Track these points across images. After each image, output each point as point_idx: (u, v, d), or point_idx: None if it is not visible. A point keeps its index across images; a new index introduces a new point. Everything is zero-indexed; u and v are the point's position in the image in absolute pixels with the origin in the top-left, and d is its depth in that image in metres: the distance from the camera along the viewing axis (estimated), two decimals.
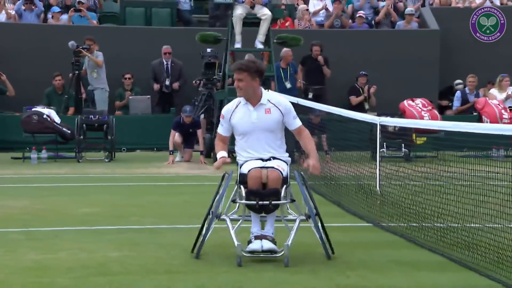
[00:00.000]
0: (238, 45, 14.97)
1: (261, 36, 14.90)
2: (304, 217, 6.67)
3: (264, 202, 6.39)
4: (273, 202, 6.42)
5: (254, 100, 6.64)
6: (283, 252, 6.36)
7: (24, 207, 9.50)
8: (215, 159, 6.77)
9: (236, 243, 6.34)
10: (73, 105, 16.39)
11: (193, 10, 20.00)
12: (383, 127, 9.31)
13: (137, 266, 6.45)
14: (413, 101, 15.36)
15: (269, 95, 6.72)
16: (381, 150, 9.22)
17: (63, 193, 10.98)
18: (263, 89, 6.72)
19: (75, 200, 10.14)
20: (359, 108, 16.62)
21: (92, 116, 15.03)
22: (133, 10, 19.46)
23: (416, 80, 18.03)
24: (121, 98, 17.24)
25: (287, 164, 6.69)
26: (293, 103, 12.42)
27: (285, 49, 16.52)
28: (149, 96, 17.07)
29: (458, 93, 17.75)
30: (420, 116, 14.75)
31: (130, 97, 17.07)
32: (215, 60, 16.16)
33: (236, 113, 6.67)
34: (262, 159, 6.60)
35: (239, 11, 14.81)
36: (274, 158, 6.62)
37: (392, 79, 17.93)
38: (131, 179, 12.39)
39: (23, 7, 18.16)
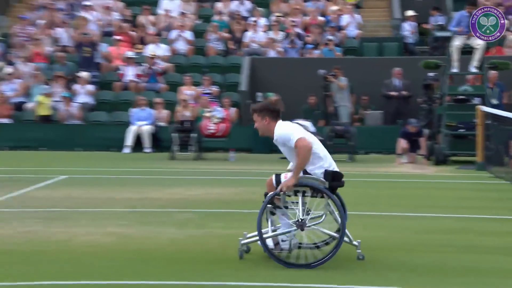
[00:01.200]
0: (455, 70, 14.40)
1: (475, 62, 14.20)
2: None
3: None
4: (264, 204, 5.49)
5: (271, 135, 5.60)
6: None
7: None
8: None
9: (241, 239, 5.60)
10: (324, 118, 16.60)
11: (416, 43, 19.48)
12: None
13: (393, 244, 6.24)
14: None
15: (276, 129, 5.53)
16: None
17: None
18: (278, 123, 5.54)
19: None
20: None
21: (337, 126, 15.17)
22: (369, 44, 19.33)
23: None
24: (358, 113, 17.25)
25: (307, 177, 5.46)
26: (503, 117, 11.73)
27: (491, 71, 15.57)
28: (381, 111, 16.90)
29: None
30: None
31: (367, 112, 17.01)
32: (434, 82, 15.63)
33: None
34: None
35: (457, 42, 14.21)
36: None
37: None
38: (368, 176, 12.24)
39: (287, 46, 18.80)
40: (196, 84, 17.61)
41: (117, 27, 19.39)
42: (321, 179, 5.49)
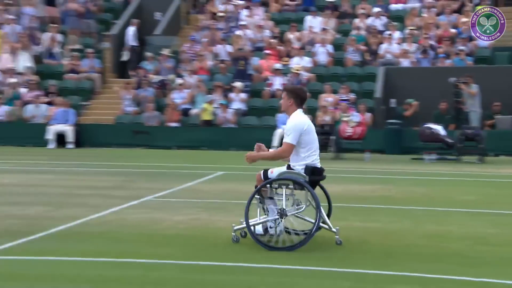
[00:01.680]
0: None
1: None
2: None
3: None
4: (251, 195, 5.66)
5: (288, 116, 5.80)
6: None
7: (424, 192, 9.36)
8: None
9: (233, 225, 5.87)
10: (454, 123, 15.90)
11: None
12: None
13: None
14: None
15: (291, 117, 5.71)
16: None
17: (447, 184, 10.70)
18: (297, 111, 5.72)
19: (456, 190, 9.79)
20: None
21: (468, 130, 14.49)
22: (501, 53, 18.21)
23: None
24: (490, 118, 16.31)
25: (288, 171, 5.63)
26: None
27: None
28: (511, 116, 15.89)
29: None
30: None
31: (497, 116, 16.06)
32: None
33: None
34: None
35: None
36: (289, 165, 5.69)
37: None
38: (496, 176, 11.58)
39: (420, 56, 18.23)
40: (335, 92, 17.62)
41: (267, 42, 19.89)
42: (302, 173, 5.58)
